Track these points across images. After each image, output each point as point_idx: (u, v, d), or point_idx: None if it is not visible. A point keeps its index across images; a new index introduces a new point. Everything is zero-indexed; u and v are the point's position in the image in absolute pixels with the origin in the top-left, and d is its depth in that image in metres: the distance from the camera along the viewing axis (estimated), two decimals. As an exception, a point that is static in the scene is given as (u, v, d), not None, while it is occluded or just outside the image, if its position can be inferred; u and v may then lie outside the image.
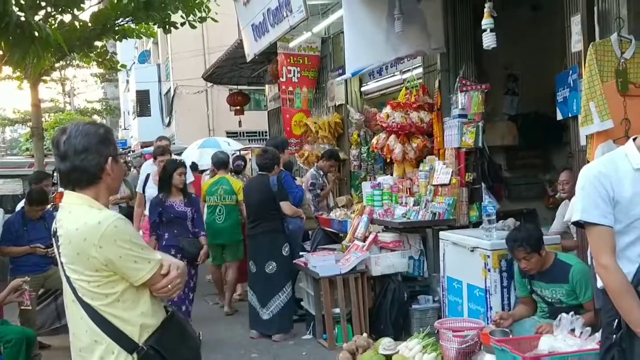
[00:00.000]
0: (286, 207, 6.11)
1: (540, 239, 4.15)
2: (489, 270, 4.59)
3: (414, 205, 6.08)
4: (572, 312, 3.66)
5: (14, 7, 5.79)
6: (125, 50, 29.82)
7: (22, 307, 5.25)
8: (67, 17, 8.38)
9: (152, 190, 6.71)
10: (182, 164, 6.16)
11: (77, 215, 2.15)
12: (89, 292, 2.13)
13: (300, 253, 6.39)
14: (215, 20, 9.36)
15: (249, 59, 8.60)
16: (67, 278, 2.17)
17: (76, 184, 2.21)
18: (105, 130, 2.27)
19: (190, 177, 6.88)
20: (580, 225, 2.45)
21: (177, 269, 2.21)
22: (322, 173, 7.82)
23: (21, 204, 6.15)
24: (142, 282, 2.14)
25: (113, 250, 2.09)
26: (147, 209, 6.52)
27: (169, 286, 2.18)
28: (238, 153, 10.95)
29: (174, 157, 7.61)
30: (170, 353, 2.15)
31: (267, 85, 12.75)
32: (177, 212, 5.91)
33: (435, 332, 4.48)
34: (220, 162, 7.47)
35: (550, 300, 4.18)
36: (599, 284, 2.43)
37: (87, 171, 2.18)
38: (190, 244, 5.87)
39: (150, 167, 7.34)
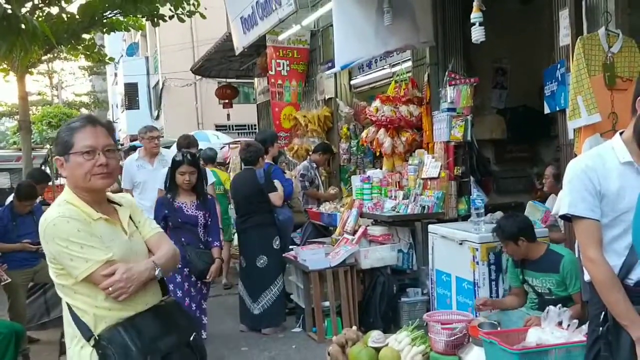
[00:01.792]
0: (275, 198, 6.11)
1: (519, 229, 4.18)
2: (477, 263, 4.62)
3: (403, 198, 6.10)
4: (559, 305, 3.69)
5: (0, -1, 5.74)
6: (113, 42, 29.63)
7: (2, 284, 5.48)
8: (54, 10, 8.31)
9: None
10: (188, 161, 5.03)
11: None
12: (55, 281, 2.34)
13: (290, 247, 6.40)
14: (204, 16, 9.29)
15: (238, 51, 8.57)
16: None
17: None
18: (59, 130, 2.42)
19: (210, 178, 6.42)
20: (567, 218, 2.46)
21: (122, 273, 2.26)
22: (314, 166, 7.81)
23: (10, 198, 6.09)
24: (79, 280, 2.25)
25: (53, 247, 2.25)
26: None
27: (110, 289, 2.24)
28: (227, 147, 10.97)
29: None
30: (132, 344, 2.23)
31: (256, 79, 12.71)
32: (187, 216, 5.04)
33: (424, 324, 4.50)
34: (209, 158, 8.22)
35: (540, 290, 4.22)
36: (586, 277, 2.45)
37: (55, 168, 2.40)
38: (198, 256, 5.03)
39: (133, 163, 6.59)
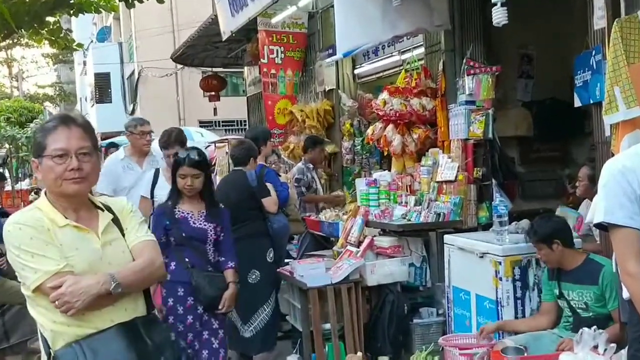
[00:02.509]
0: (270, 203, 6.10)
1: (554, 230, 4.26)
2: (500, 279, 4.62)
3: (415, 205, 6.10)
4: (594, 327, 3.70)
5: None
6: (82, 26, 29.67)
7: None
8: (14, -11, 8.32)
9: (165, 192, 5.38)
10: (190, 162, 4.55)
11: None
12: (23, 292, 2.48)
13: (286, 260, 6.39)
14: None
15: (225, 37, 8.58)
16: None
17: None
18: (34, 130, 2.54)
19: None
20: (603, 227, 2.47)
21: (68, 286, 2.34)
22: (310, 167, 7.76)
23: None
24: (31, 290, 2.39)
25: (9, 254, 2.43)
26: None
27: (56, 302, 2.34)
28: (213, 146, 10.97)
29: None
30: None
31: (246, 68, 12.73)
32: (193, 229, 4.54)
33: (440, 349, 4.50)
34: None
35: (576, 306, 4.23)
36: (625, 294, 2.45)
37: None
38: (208, 281, 4.49)
39: (118, 163, 6.23)
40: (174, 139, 5.73)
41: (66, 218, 2.49)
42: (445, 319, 5.46)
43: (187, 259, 4.49)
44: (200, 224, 4.57)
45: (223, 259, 4.64)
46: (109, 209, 2.64)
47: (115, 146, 9.29)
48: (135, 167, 6.13)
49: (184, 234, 4.51)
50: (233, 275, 4.62)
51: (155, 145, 6.25)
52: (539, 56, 7.13)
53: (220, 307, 4.50)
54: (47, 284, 2.35)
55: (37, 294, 2.38)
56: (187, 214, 4.57)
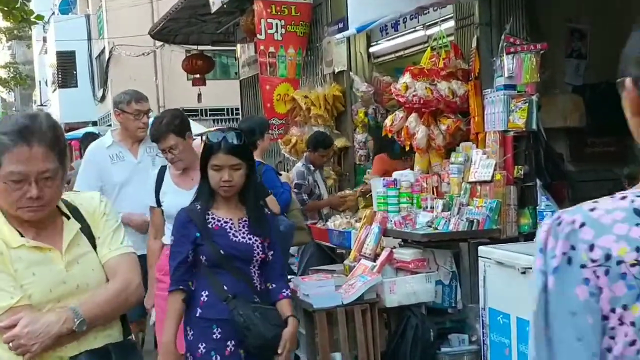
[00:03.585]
0: (272, 203, 6.10)
1: None
2: (546, 299, 4.62)
3: (442, 210, 6.11)
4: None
5: None
6: (42, -5, 29.79)
7: None
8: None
9: (174, 198, 4.80)
10: (228, 147, 3.84)
11: None
12: None
13: (289, 276, 6.40)
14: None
15: (214, 8, 8.63)
16: None
17: None
18: None
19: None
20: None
21: (24, 327, 2.32)
22: (312, 169, 7.77)
23: None
24: None
25: None
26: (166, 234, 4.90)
27: (10, 344, 2.32)
28: (199, 139, 10.98)
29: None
30: None
31: (239, 45, 12.74)
32: (234, 244, 3.86)
33: (473, 384, 4.51)
34: None
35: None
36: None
37: None
38: (258, 316, 3.79)
39: (103, 152, 5.79)
40: (164, 127, 4.89)
41: (22, 236, 2.45)
42: (480, 347, 5.45)
43: (225, 286, 3.81)
44: (243, 237, 3.89)
45: (274, 285, 3.98)
46: (77, 213, 2.60)
47: (93, 136, 8.91)
48: (127, 156, 5.72)
49: (222, 251, 3.82)
50: (289, 307, 4.01)
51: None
52: (593, 32, 7.12)
53: (279, 351, 3.86)
54: None
55: None
56: (225, 222, 3.90)
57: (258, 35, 9.44)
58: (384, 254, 5.99)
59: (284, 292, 4.02)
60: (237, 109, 14.57)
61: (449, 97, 6.41)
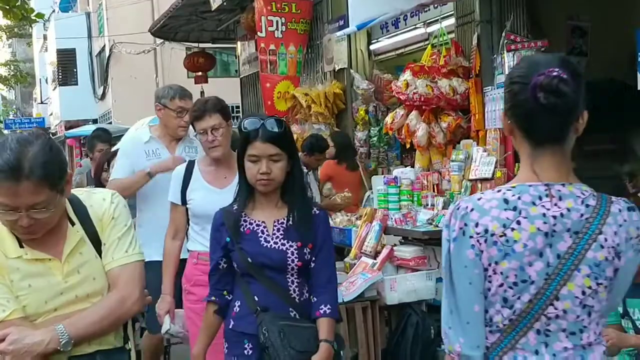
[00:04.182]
0: None
1: None
2: (547, 296, 4.62)
3: (443, 208, 6.11)
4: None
5: None
6: (42, -7, 29.77)
7: None
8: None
9: (204, 197, 4.39)
10: (267, 135, 3.34)
11: None
12: None
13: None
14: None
15: (214, 5, 8.62)
16: None
17: None
18: None
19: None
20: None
21: (9, 344, 2.31)
22: (305, 171, 7.75)
23: None
24: None
25: None
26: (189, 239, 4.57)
27: None
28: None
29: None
30: None
31: (239, 43, 12.74)
32: (263, 251, 3.38)
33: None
34: None
35: (643, 326, 4.25)
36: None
37: None
38: (281, 340, 3.29)
39: (140, 147, 5.42)
40: (211, 105, 4.43)
41: (21, 246, 2.42)
42: (480, 344, 5.45)
43: (256, 298, 3.39)
44: (275, 243, 3.40)
45: (315, 299, 3.43)
46: (85, 216, 2.54)
47: (105, 136, 8.34)
48: (164, 154, 5.34)
49: (249, 259, 3.37)
50: (328, 327, 3.39)
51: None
52: (594, 29, 7.12)
53: None
54: None
55: None
56: (257, 225, 3.44)
57: (258, 33, 9.44)
58: (384, 252, 5.99)
59: (324, 309, 3.38)
60: (237, 107, 14.54)
61: (450, 94, 6.41)
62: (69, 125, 28.37)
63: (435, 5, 6.84)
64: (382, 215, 6.35)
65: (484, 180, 5.93)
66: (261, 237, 3.41)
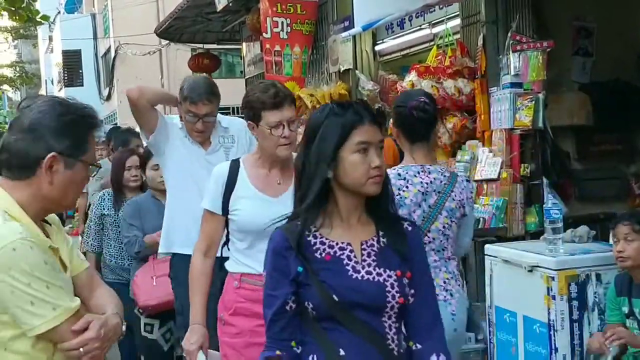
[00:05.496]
0: None
1: None
2: (553, 297, 4.60)
3: (449, 208, 6.10)
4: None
5: None
6: (48, -5, 29.84)
7: None
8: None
9: (253, 207, 3.57)
10: (372, 117, 2.54)
11: None
12: None
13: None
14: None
15: (220, 7, 8.62)
16: None
17: (4, 167, 2.24)
18: (71, 118, 2.28)
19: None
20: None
21: (99, 329, 2.21)
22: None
23: None
24: (37, 334, 2.13)
25: (4, 281, 2.07)
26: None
27: (81, 349, 2.17)
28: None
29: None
30: None
31: (244, 44, 12.76)
32: (354, 284, 2.48)
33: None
34: None
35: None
36: None
37: (18, 156, 2.21)
38: None
39: (177, 132, 4.72)
40: (288, 95, 3.77)
41: (48, 237, 2.32)
42: (487, 345, 5.44)
43: (342, 351, 2.44)
44: (369, 273, 2.48)
45: (419, 345, 2.56)
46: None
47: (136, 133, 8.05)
48: (193, 147, 4.71)
49: (335, 297, 2.43)
50: None
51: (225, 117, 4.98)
52: (600, 29, 7.10)
53: None
54: (67, 325, 2.15)
55: (24, 338, 2.14)
56: (341, 249, 2.50)
57: (264, 34, 9.44)
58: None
59: (436, 358, 2.55)
60: (242, 108, 14.57)
61: (455, 95, 6.40)
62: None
63: (441, 6, 6.83)
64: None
65: (489, 180, 5.92)
66: (348, 264, 2.48)
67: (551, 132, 5.93)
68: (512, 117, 5.80)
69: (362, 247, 2.52)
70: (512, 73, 5.81)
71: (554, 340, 4.62)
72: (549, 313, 4.65)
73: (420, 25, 7.82)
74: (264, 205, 3.49)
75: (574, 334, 4.64)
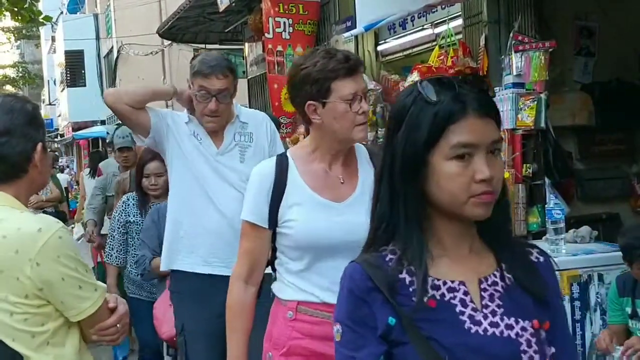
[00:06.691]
0: None
1: None
2: (555, 298, 4.61)
3: (451, 208, 6.10)
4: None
5: None
6: (50, -5, 29.87)
7: None
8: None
9: (313, 217, 2.76)
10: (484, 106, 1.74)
11: (1, 219, 2.16)
12: (9, 330, 2.10)
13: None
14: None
15: (222, 7, 8.62)
16: None
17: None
18: (33, 107, 2.34)
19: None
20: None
21: (124, 303, 2.31)
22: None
23: None
24: (82, 318, 2.17)
25: (54, 269, 2.10)
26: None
27: (118, 325, 2.24)
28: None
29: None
30: None
31: (247, 44, 12.75)
32: (475, 344, 1.65)
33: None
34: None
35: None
36: None
37: (7, 160, 2.23)
38: None
39: (182, 127, 4.02)
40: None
41: None
42: (488, 346, 5.44)
43: None
44: (492, 325, 1.70)
45: None
46: None
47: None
48: (205, 141, 3.99)
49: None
50: None
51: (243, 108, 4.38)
52: (602, 29, 7.09)
53: None
54: (104, 304, 2.24)
55: (62, 328, 2.17)
56: (450, 290, 1.73)
57: (266, 34, 9.45)
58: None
59: None
60: (245, 107, 14.59)
61: (457, 95, 6.40)
62: (77, 126, 28.43)
63: (443, 6, 6.82)
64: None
65: (492, 181, 5.91)
66: (463, 313, 1.70)
67: (553, 132, 5.93)
68: (514, 117, 5.80)
69: (482, 286, 1.74)
70: (514, 73, 5.81)
71: (556, 341, 4.63)
72: (551, 314, 4.65)
73: (422, 26, 7.81)
74: (326, 212, 2.73)
75: (576, 335, 4.65)
